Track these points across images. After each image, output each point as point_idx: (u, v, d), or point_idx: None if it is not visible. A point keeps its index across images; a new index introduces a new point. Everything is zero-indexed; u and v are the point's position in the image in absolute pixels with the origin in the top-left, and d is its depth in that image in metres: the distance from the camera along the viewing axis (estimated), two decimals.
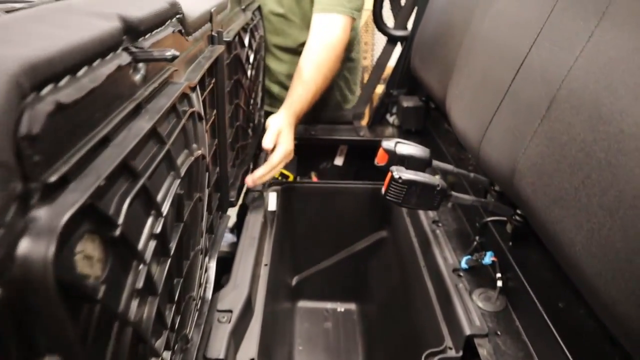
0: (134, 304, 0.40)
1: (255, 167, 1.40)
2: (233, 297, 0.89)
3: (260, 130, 1.55)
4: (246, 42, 1.13)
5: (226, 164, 0.99)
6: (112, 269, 0.37)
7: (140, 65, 0.45)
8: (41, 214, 0.28)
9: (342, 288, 1.56)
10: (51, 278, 0.27)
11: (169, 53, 0.44)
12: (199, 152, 0.61)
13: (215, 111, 0.87)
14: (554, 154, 0.63)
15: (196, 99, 0.64)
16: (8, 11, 0.56)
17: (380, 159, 1.02)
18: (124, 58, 0.41)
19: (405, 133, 1.66)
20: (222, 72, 0.86)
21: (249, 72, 1.17)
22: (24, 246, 0.27)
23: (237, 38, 1.03)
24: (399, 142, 1.01)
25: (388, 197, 0.89)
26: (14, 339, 0.27)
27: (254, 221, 1.13)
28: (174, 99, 0.50)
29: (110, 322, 0.37)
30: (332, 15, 1.32)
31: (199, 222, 0.67)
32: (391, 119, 1.75)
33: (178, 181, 0.50)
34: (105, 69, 0.37)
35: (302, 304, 1.56)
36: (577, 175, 0.58)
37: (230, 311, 0.86)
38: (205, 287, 0.86)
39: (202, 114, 0.65)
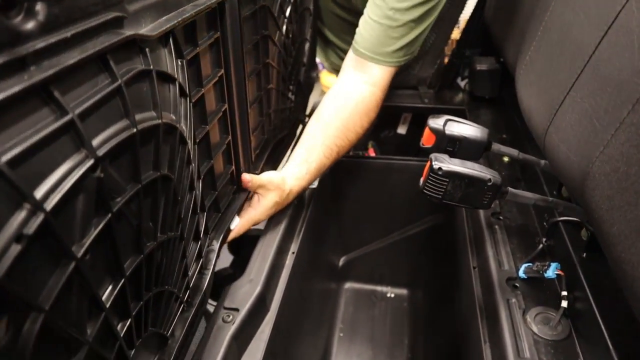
0: None
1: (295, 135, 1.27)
2: (243, 294, 0.79)
3: (308, 92, 1.40)
4: None
5: (246, 133, 0.86)
6: None
7: (39, 7, 0.33)
8: None
9: (394, 272, 1.42)
10: None
11: None
12: (155, 122, 0.48)
13: (222, 71, 0.74)
14: None
15: (166, 56, 0.51)
16: None
17: (426, 140, 0.85)
18: None
19: (477, 100, 1.44)
20: (233, 23, 0.72)
21: (284, 28, 1.01)
22: None
23: None
24: (449, 120, 0.83)
25: (426, 191, 0.73)
26: None
27: None
28: (94, 53, 0.37)
29: None
30: (376, 65, 1.05)
31: (170, 206, 0.56)
32: (462, 83, 1.53)
33: (90, 162, 0.37)
34: None
35: (349, 285, 1.45)
36: None
37: (237, 310, 0.76)
38: (202, 274, 0.76)
39: (174, 74, 0.53)
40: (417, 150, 1.57)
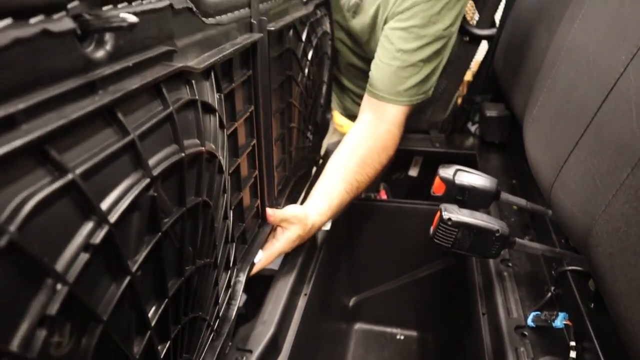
0: (40, 335, 0.32)
1: (314, 172, 1.31)
2: (256, 335, 0.81)
3: (324, 133, 1.45)
4: (303, 36, 1.02)
5: (271, 168, 0.90)
6: None
7: (107, 38, 0.37)
8: None
9: (404, 314, 1.43)
10: None
11: (125, 16, 0.35)
12: (199, 149, 0.52)
13: (252, 107, 0.79)
14: None
15: (208, 89, 0.56)
16: None
17: (436, 189, 0.88)
18: (62, 24, 0.32)
19: (487, 145, 1.47)
20: (263, 62, 0.77)
21: (306, 70, 1.06)
22: None
23: (291, 31, 0.94)
24: (459, 170, 0.86)
25: (436, 241, 0.75)
26: None
27: (298, 246, 1.04)
28: (152, 80, 0.41)
29: None
30: (390, 105, 1.11)
31: (207, 233, 0.59)
32: (473, 128, 1.56)
33: (147, 181, 0.41)
34: (17, 31, 0.28)
35: (359, 326, 1.46)
36: None
37: (250, 351, 0.78)
38: (230, 304, 0.78)
39: (214, 106, 0.57)
40: (428, 193, 1.60)
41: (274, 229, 0.97)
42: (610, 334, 0.69)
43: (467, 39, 1.40)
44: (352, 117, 1.23)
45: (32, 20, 0.30)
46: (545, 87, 0.80)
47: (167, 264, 0.48)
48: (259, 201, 0.89)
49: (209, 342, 0.69)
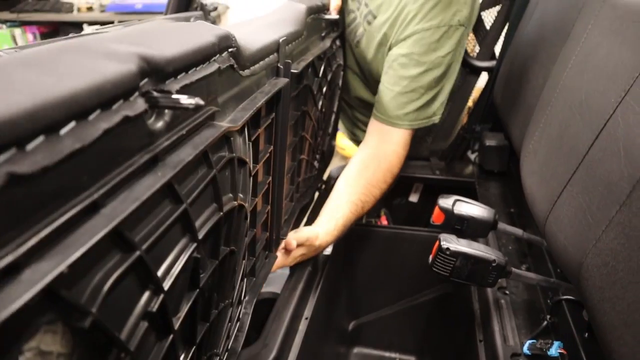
0: None
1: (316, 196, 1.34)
2: (258, 358, 0.83)
3: (329, 160, 1.49)
4: (320, 72, 1.06)
5: (281, 201, 0.93)
6: None
7: (166, 110, 0.40)
8: None
9: (402, 339, 1.44)
10: None
11: (192, 101, 0.38)
12: (234, 203, 0.55)
13: (271, 147, 0.82)
14: (631, 258, 0.49)
15: (241, 141, 0.59)
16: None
17: (436, 218, 0.91)
18: (137, 106, 0.35)
19: (486, 174, 1.50)
20: (285, 106, 0.80)
21: (320, 103, 1.10)
22: None
23: (309, 68, 0.98)
24: (458, 200, 0.89)
25: (434, 269, 0.78)
26: None
27: (299, 270, 1.06)
28: (204, 148, 0.44)
29: None
30: (394, 129, 1.16)
31: (230, 276, 0.62)
32: (472, 156, 1.60)
33: (194, 245, 0.44)
34: (104, 122, 0.31)
35: (358, 350, 1.46)
36: None
37: None
38: (237, 336, 0.81)
39: (247, 157, 0.60)
40: (427, 219, 1.62)
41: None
42: None
43: (467, 70, 1.45)
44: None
45: (114, 106, 0.33)
46: (542, 122, 0.84)
47: (199, 314, 0.50)
48: (268, 234, 0.92)
49: None
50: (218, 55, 0.51)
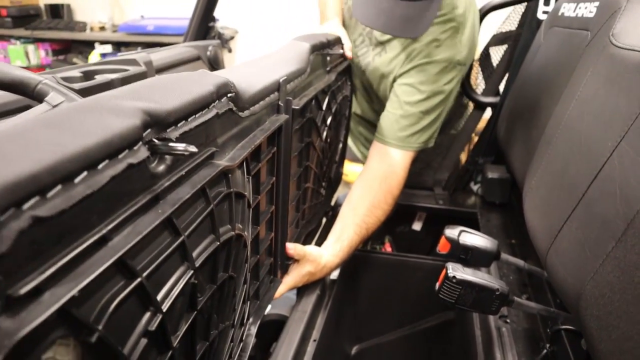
0: None
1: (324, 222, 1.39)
2: None
3: (336, 186, 1.54)
4: (324, 105, 1.12)
5: (285, 228, 0.98)
6: None
7: (167, 156, 0.44)
8: (1, 326, 0.28)
9: None
10: None
11: (189, 149, 0.43)
12: (231, 233, 0.59)
13: (274, 178, 0.87)
14: (626, 290, 0.53)
15: (240, 176, 0.64)
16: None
17: (442, 247, 0.95)
18: (139, 154, 0.40)
19: (488, 205, 1.55)
20: (286, 140, 0.85)
21: (324, 134, 1.16)
22: None
23: (313, 101, 1.03)
24: (463, 231, 0.93)
25: (441, 296, 0.82)
26: None
27: (309, 293, 1.10)
28: (200, 186, 0.49)
29: None
30: (394, 150, 1.24)
31: (230, 299, 0.66)
32: (475, 187, 1.65)
33: (191, 272, 0.48)
34: (111, 170, 0.36)
35: None
36: None
37: None
38: (241, 356, 0.84)
39: (246, 191, 0.65)
40: (429, 247, 1.67)
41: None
42: None
43: (473, 106, 1.51)
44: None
45: (120, 156, 0.38)
46: (544, 160, 0.89)
47: (198, 333, 0.54)
48: (272, 259, 0.96)
49: None
50: (217, 101, 0.56)
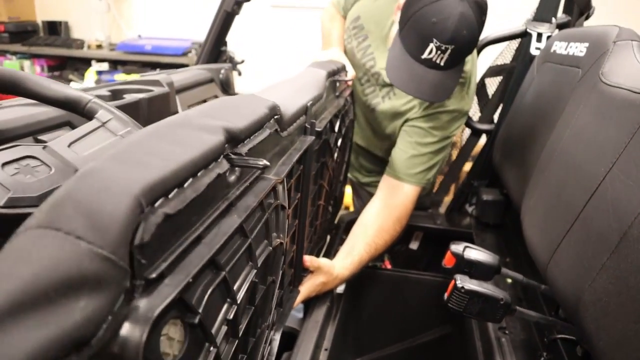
0: None
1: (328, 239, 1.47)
2: None
3: (340, 204, 1.62)
4: (336, 128, 1.21)
5: (303, 242, 1.05)
6: (187, 349, 0.43)
7: (236, 167, 0.52)
8: (141, 304, 0.34)
9: None
10: (140, 355, 0.33)
11: (261, 163, 0.51)
12: (278, 240, 0.66)
13: (299, 194, 0.94)
14: (620, 293, 0.62)
15: (282, 190, 0.71)
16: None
17: (447, 262, 1.03)
18: (223, 165, 0.48)
19: (482, 225, 1.64)
20: (310, 159, 0.93)
21: (335, 155, 1.25)
22: (125, 330, 0.33)
23: (328, 125, 1.12)
24: (467, 247, 1.02)
25: (450, 305, 0.89)
26: None
27: (320, 304, 1.17)
28: (262, 197, 0.56)
29: None
30: (405, 184, 1.35)
31: (270, 301, 0.72)
32: (470, 209, 1.74)
33: (254, 271, 0.55)
34: (206, 178, 0.44)
35: None
36: None
37: None
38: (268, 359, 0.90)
39: (286, 203, 0.72)
40: (425, 266, 1.75)
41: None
42: None
43: (470, 132, 1.62)
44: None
45: (210, 166, 0.46)
46: (540, 183, 0.99)
47: (250, 328, 0.61)
48: (292, 271, 1.03)
49: None
50: (269, 122, 0.65)
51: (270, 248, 0.61)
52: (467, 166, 1.76)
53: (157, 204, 0.37)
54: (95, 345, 0.29)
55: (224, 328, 0.48)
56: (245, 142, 0.55)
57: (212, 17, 1.67)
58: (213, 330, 0.46)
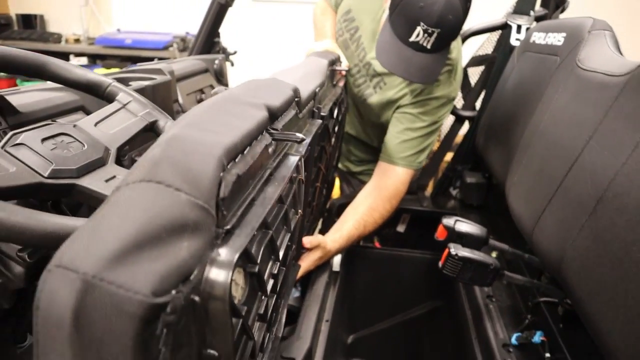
0: (256, 325, 0.51)
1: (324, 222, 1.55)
2: (297, 347, 0.99)
3: (332, 187, 1.70)
4: (335, 114, 1.28)
5: (303, 220, 1.12)
6: (248, 295, 0.49)
7: (272, 140, 0.58)
8: (222, 251, 0.40)
9: (397, 351, 1.61)
10: (227, 295, 0.39)
11: (299, 136, 0.58)
12: (299, 211, 0.73)
13: (305, 173, 1.01)
14: (598, 248, 0.71)
15: (302, 167, 0.78)
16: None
17: (440, 234, 1.12)
18: (267, 138, 0.54)
19: (466, 207, 1.74)
20: (314, 142, 1.00)
21: (332, 140, 1.32)
22: (212, 271, 0.38)
23: (328, 111, 1.19)
24: (458, 220, 1.10)
25: (445, 271, 0.98)
26: (195, 333, 0.38)
27: (320, 280, 1.24)
28: (292, 170, 0.63)
29: (242, 335, 0.48)
30: (396, 167, 1.43)
31: (289, 268, 0.79)
32: (454, 192, 1.84)
33: (289, 235, 0.62)
34: (258, 147, 0.50)
35: None
36: (617, 271, 0.65)
37: (294, 359, 0.96)
38: (278, 327, 0.97)
39: (301, 177, 0.79)
40: (412, 247, 1.84)
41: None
42: (577, 346, 0.91)
43: (454, 119, 1.71)
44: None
45: (258, 138, 0.53)
46: (524, 160, 1.08)
47: (280, 289, 0.68)
48: (294, 246, 1.11)
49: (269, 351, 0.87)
50: (292, 103, 0.72)
51: (297, 216, 0.68)
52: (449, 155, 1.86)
53: (230, 165, 0.43)
54: (193, 281, 0.35)
55: (271, 281, 0.54)
56: (279, 119, 0.61)
57: (193, 10, 1.72)
58: (265, 281, 0.53)
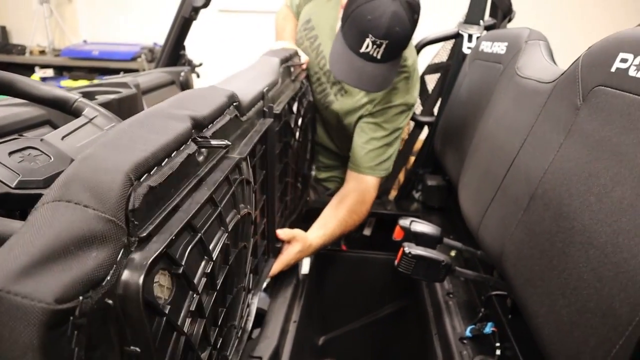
0: (188, 321, 0.56)
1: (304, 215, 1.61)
2: (264, 346, 1.04)
3: (308, 181, 1.75)
4: (294, 109, 1.33)
5: (274, 215, 1.16)
6: (175, 295, 0.53)
7: (203, 149, 0.63)
8: (136, 256, 0.45)
9: (367, 350, 1.67)
10: (139, 296, 0.43)
11: (223, 143, 0.62)
12: (245, 210, 0.78)
13: (264, 171, 1.06)
14: (530, 241, 0.78)
15: (246, 167, 0.82)
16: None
17: (397, 235, 1.18)
18: (191, 147, 0.58)
19: (428, 209, 1.81)
20: (272, 139, 1.05)
21: (297, 135, 1.37)
22: (125, 275, 0.43)
23: (286, 107, 1.24)
24: (413, 221, 1.17)
25: (399, 269, 1.04)
26: (115, 332, 0.43)
27: (287, 282, 1.29)
28: (227, 173, 0.67)
29: (170, 331, 0.52)
30: (366, 177, 1.52)
31: (243, 265, 0.83)
32: (417, 195, 1.91)
33: (226, 234, 0.66)
34: (179, 158, 0.54)
35: None
36: (543, 260, 0.72)
37: (260, 358, 1.01)
38: (247, 320, 1.01)
39: (251, 179, 0.83)
40: (378, 248, 1.90)
41: (281, 246, 1.25)
42: (523, 335, 0.98)
43: (414, 124, 1.79)
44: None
45: (181, 148, 0.57)
46: (472, 162, 1.15)
47: (227, 284, 0.72)
48: (266, 242, 1.15)
49: (235, 345, 0.91)
50: (228, 109, 0.76)
51: (239, 216, 0.72)
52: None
53: (142, 179, 0.48)
54: (105, 286, 0.40)
55: (204, 280, 0.59)
56: (209, 127, 0.66)
57: (160, 21, 1.76)
58: (195, 280, 0.57)
